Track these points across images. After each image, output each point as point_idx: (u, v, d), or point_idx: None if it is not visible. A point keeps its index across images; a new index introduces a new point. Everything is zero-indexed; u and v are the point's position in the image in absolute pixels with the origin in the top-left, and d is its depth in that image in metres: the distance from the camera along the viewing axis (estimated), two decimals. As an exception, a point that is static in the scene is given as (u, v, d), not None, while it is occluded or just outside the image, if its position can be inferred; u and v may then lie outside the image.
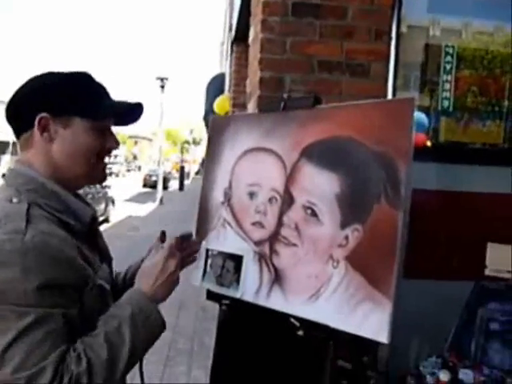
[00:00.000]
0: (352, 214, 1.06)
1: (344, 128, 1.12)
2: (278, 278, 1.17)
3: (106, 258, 1.06)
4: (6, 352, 0.77)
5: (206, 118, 8.63)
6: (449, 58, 2.35)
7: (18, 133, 0.97)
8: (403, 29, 2.20)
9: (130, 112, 1.03)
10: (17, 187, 0.90)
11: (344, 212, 1.07)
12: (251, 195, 1.27)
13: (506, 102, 2.36)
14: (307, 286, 1.09)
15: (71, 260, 0.86)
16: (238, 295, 1.24)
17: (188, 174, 33.54)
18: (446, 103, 2.40)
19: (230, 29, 6.07)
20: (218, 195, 1.37)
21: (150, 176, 23.50)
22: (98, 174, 1.00)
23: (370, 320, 0.99)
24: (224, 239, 1.31)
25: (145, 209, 14.63)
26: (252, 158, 1.31)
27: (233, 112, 4.88)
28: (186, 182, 26.23)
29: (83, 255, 0.90)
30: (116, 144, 1.00)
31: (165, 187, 19.60)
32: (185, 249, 1.16)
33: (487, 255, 1.83)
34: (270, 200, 1.22)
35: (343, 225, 1.07)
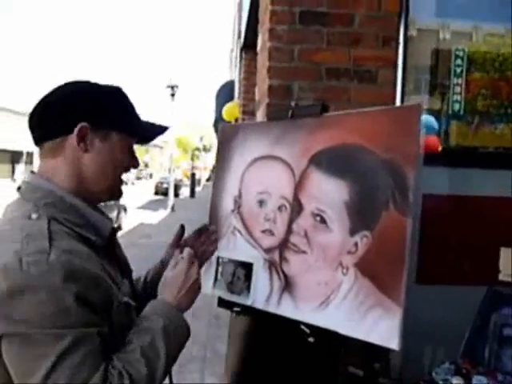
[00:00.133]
0: (361, 220, 1.07)
1: (352, 135, 1.12)
2: (288, 285, 1.17)
3: (127, 270, 1.03)
4: (49, 378, 0.75)
5: (215, 125, 8.69)
6: (459, 61, 2.34)
7: (43, 139, 0.92)
8: (413, 32, 2.20)
9: (157, 133, 1.03)
10: (35, 202, 0.87)
11: (353, 219, 1.08)
12: (261, 203, 1.29)
13: (519, 105, 2.34)
14: (317, 293, 1.10)
15: (97, 279, 0.83)
16: (248, 302, 1.24)
17: (199, 180, 33.70)
18: (456, 106, 2.39)
19: (239, 36, 6.12)
20: (227, 203, 1.38)
21: (162, 183, 23.68)
22: (119, 190, 0.99)
23: (380, 327, 0.99)
24: (234, 247, 1.32)
25: (156, 216, 14.71)
26: (261, 166, 1.32)
27: (242, 119, 4.90)
28: (197, 189, 26.34)
29: (106, 272, 0.88)
30: (137, 163, 0.99)
31: (176, 194, 19.71)
32: (203, 242, 1.18)
33: (500, 260, 1.82)
34: (280, 208, 1.24)
35: (352, 232, 1.07)
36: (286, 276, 1.18)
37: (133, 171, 1.10)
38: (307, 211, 1.17)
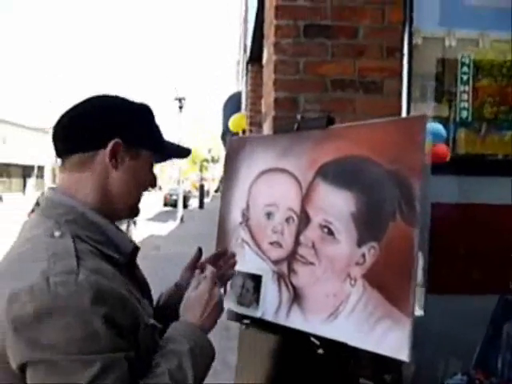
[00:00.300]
0: (368, 232, 1.07)
1: (357, 147, 1.13)
2: (296, 296, 1.18)
3: (146, 290, 0.99)
4: None
5: (223, 137, 8.74)
6: (465, 69, 2.35)
7: (71, 151, 0.88)
8: (418, 41, 2.21)
9: (182, 155, 1.03)
10: (56, 218, 0.83)
11: (360, 230, 1.08)
12: (268, 215, 1.30)
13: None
14: (326, 305, 1.10)
15: (124, 300, 0.80)
16: (258, 315, 1.25)
17: (207, 191, 33.82)
18: (464, 114, 2.38)
19: (245, 50, 6.18)
20: (235, 216, 1.39)
21: (171, 195, 23.80)
22: (137, 209, 0.96)
23: (389, 338, 0.99)
24: (243, 259, 1.33)
25: (166, 228, 14.77)
26: (268, 179, 1.33)
27: (250, 130, 4.94)
28: (206, 200, 26.44)
29: (131, 292, 0.85)
30: (156, 182, 0.98)
31: (185, 206, 19.81)
32: (222, 266, 1.14)
33: (512, 268, 1.80)
34: (287, 220, 1.24)
35: (360, 243, 1.08)
36: (294, 288, 1.19)
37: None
38: (315, 223, 1.17)
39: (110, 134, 0.87)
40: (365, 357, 1.16)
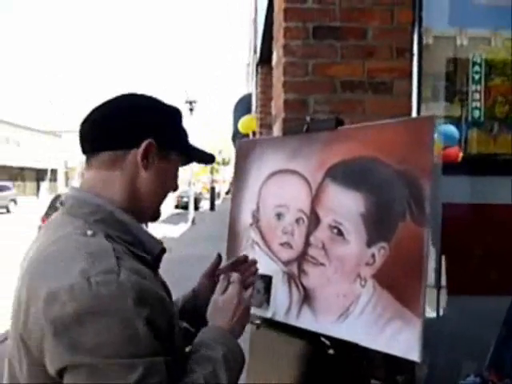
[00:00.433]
0: (378, 232, 1.07)
1: (366, 148, 1.14)
2: (307, 297, 1.18)
3: (169, 293, 0.94)
4: None
5: (234, 139, 8.77)
6: (477, 68, 2.33)
7: (101, 148, 0.85)
8: (429, 40, 2.20)
9: (208, 160, 1.01)
10: (84, 218, 0.80)
11: (370, 230, 1.09)
12: (278, 216, 1.31)
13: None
14: (336, 305, 1.11)
15: (163, 301, 0.78)
16: (268, 315, 1.26)
17: (218, 194, 33.92)
18: (476, 113, 2.36)
19: (255, 51, 6.20)
20: (246, 217, 1.40)
21: (182, 197, 23.93)
22: (159, 212, 0.94)
23: (399, 338, 0.99)
24: (253, 260, 1.34)
25: (177, 230, 14.84)
26: (278, 180, 1.34)
27: (260, 132, 4.95)
28: (217, 202, 26.52)
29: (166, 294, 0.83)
30: (177, 186, 0.95)
31: (196, 208, 19.89)
32: (243, 272, 1.08)
33: (525, 268, 1.78)
34: (297, 220, 1.25)
35: (369, 243, 1.08)
36: (304, 288, 1.20)
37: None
38: (324, 224, 1.18)
39: (144, 133, 0.85)
40: (376, 358, 1.16)
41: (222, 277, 0.97)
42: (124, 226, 0.82)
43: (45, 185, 38.08)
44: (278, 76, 2.09)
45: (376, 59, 1.88)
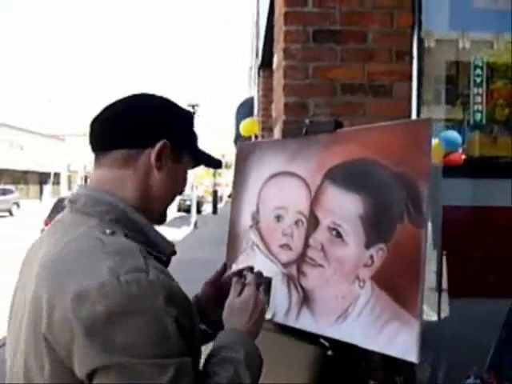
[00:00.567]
0: (376, 233, 1.08)
1: (364, 150, 1.15)
2: (306, 298, 1.19)
3: None
4: None
5: (236, 142, 8.79)
6: (478, 71, 2.33)
7: (114, 146, 0.84)
8: (431, 43, 2.21)
9: (216, 165, 1.00)
10: (99, 217, 0.79)
11: (368, 232, 1.10)
12: (278, 218, 1.31)
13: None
14: (335, 307, 1.11)
15: (188, 302, 0.78)
16: (268, 316, 1.26)
17: (221, 197, 33.98)
18: (478, 116, 2.37)
19: (257, 55, 6.23)
20: (246, 219, 1.41)
21: (184, 201, 23.97)
22: (166, 215, 0.93)
23: (397, 339, 0.99)
24: (253, 262, 1.34)
25: (180, 233, 14.86)
26: (277, 183, 1.35)
27: (262, 136, 4.97)
28: (220, 206, 26.56)
29: None
30: (184, 189, 0.94)
31: (198, 211, 19.93)
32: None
33: (526, 271, 1.78)
34: (296, 222, 1.26)
35: (368, 245, 1.09)
36: (304, 290, 1.20)
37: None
38: (323, 225, 1.19)
39: (160, 134, 0.84)
40: (375, 359, 1.17)
41: (235, 279, 0.97)
42: (137, 226, 0.81)
43: (48, 188, 38.19)
44: (278, 79, 2.10)
45: (376, 62, 1.89)
